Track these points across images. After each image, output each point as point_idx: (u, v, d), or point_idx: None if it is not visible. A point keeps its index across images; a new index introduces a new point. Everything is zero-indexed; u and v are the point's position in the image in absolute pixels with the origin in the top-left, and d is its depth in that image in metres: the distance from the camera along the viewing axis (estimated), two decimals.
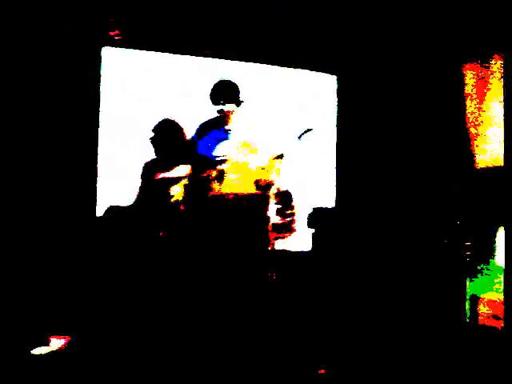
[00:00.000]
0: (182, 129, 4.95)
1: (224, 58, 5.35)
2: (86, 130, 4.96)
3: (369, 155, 5.70)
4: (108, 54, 5.02)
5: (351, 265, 5.12)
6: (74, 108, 4.91)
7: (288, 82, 5.58)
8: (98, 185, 4.92)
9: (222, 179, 4.75)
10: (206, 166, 4.78)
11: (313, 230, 5.18)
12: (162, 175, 4.86)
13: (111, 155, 5.00)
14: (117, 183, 4.97)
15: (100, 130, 4.97)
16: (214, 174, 4.77)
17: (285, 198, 4.98)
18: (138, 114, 5.17)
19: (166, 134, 4.91)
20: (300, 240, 5.05)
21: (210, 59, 5.38)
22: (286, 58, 5.49)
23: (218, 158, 4.80)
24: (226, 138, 4.84)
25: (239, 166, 4.79)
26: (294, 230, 4.95)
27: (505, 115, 4.86)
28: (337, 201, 5.56)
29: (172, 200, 4.83)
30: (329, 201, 5.51)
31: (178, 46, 5.25)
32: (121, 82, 5.14)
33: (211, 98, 4.82)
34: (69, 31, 4.86)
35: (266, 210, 4.77)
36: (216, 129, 4.87)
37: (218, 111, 4.82)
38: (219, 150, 4.81)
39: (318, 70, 5.61)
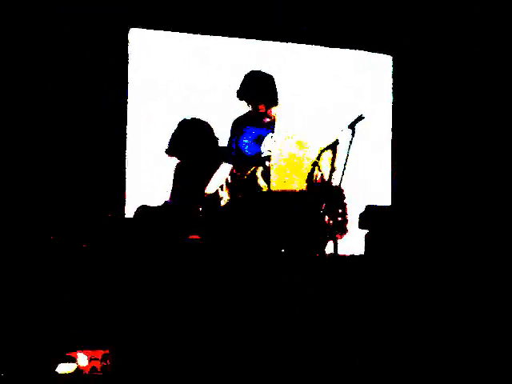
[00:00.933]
0: (211, 127, 4.54)
1: (271, 39, 5.15)
2: (114, 122, 4.73)
3: (429, 144, 5.32)
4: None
5: (409, 271, 4.59)
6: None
7: (338, 64, 5.22)
8: (126, 181, 4.54)
9: (269, 176, 4.30)
10: (248, 163, 4.35)
11: (366, 231, 4.68)
12: (201, 177, 4.49)
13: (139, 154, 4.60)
14: (145, 181, 4.60)
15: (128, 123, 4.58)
16: (259, 171, 4.32)
17: (336, 195, 4.47)
18: (166, 106, 4.79)
19: (196, 133, 4.49)
20: (352, 242, 4.55)
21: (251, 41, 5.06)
22: (340, 39, 5.22)
23: (262, 154, 4.35)
24: (268, 133, 4.37)
25: (287, 160, 4.32)
26: (346, 231, 4.45)
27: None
28: (393, 198, 5.19)
29: (217, 201, 4.50)
30: (384, 198, 5.14)
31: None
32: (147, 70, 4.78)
33: (242, 94, 4.35)
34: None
35: (320, 208, 4.29)
36: (254, 125, 4.40)
37: (252, 110, 4.35)
38: (262, 146, 4.35)
39: (373, 51, 5.26)
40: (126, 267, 4.28)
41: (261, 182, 4.33)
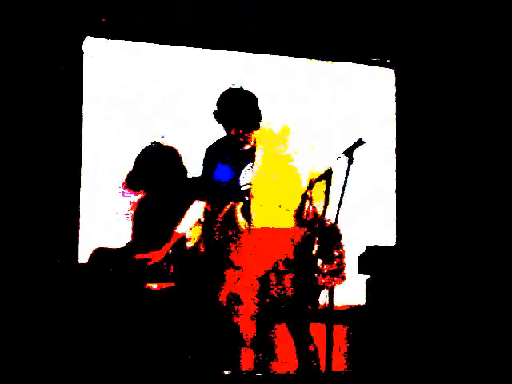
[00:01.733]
0: (179, 154, 3.93)
1: (264, 52, 4.74)
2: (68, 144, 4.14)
3: (438, 170, 4.85)
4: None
5: (417, 325, 3.99)
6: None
7: (333, 79, 4.75)
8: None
9: (250, 213, 3.75)
10: (225, 198, 3.78)
11: (366, 277, 4.17)
12: (168, 214, 3.97)
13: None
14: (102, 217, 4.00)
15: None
16: (238, 207, 3.76)
17: (331, 234, 3.87)
18: (125, 126, 4.29)
19: (162, 162, 3.89)
20: (350, 290, 3.94)
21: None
22: (337, 51, 4.83)
23: (241, 188, 3.76)
24: (248, 162, 3.75)
25: (270, 193, 3.79)
26: (344, 278, 3.84)
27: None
28: (398, 237, 4.66)
29: (187, 244, 4.01)
30: (388, 237, 4.61)
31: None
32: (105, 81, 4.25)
33: (218, 116, 3.75)
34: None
35: (312, 250, 3.73)
36: (231, 153, 3.79)
37: (230, 134, 3.74)
38: (241, 178, 3.74)
39: (375, 64, 4.87)
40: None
41: (240, 220, 3.73)
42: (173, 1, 4.44)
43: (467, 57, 4.98)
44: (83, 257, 4.00)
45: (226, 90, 3.83)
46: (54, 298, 3.86)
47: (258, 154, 3.80)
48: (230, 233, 3.77)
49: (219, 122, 3.83)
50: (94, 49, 4.25)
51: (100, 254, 3.82)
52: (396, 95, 4.93)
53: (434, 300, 4.16)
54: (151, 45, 4.39)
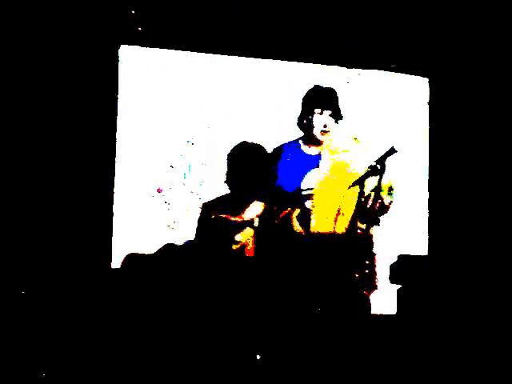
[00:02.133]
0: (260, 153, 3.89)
1: (296, 60, 4.63)
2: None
3: (471, 180, 4.78)
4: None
5: (452, 336, 3.90)
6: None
7: (366, 87, 4.62)
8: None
9: (309, 221, 3.77)
10: (284, 202, 3.80)
11: (398, 286, 4.01)
12: (226, 216, 3.91)
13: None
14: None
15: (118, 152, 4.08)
16: (295, 213, 3.75)
17: (362, 243, 3.83)
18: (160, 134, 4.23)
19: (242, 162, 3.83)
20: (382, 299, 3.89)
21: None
22: (370, 59, 4.75)
23: (302, 192, 3.71)
24: (314, 167, 3.72)
25: (332, 199, 3.68)
26: (375, 288, 3.80)
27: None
28: (430, 246, 4.56)
29: (238, 247, 3.91)
30: (420, 246, 4.50)
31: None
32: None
33: (305, 110, 3.73)
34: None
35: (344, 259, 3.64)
36: (299, 154, 3.76)
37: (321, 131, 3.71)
38: (305, 182, 3.70)
39: (408, 72, 4.79)
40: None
41: (296, 226, 3.68)
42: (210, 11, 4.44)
43: (501, 67, 4.89)
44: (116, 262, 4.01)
45: (316, 86, 3.81)
46: (87, 302, 3.89)
47: (323, 161, 3.77)
48: (281, 237, 3.76)
49: (302, 121, 3.77)
50: (130, 57, 4.25)
51: (133, 259, 3.82)
52: (429, 104, 4.86)
53: (464, 310, 4.09)
54: (185, 52, 4.36)
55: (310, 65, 4.62)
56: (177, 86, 4.29)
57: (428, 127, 4.81)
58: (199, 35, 4.31)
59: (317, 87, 3.86)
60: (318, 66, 4.64)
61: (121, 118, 4.14)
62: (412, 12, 4.77)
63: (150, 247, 3.92)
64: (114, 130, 4.13)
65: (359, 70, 4.70)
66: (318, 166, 3.81)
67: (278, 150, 3.90)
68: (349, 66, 4.70)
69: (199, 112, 4.31)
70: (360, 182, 3.72)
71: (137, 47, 4.18)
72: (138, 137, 4.21)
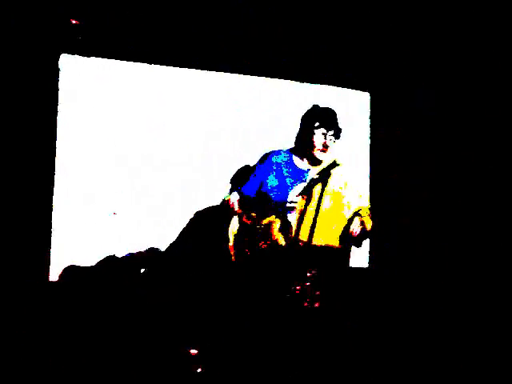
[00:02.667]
0: None
1: (238, 72, 4.67)
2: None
3: (413, 193, 4.81)
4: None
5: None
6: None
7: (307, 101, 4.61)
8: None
9: (289, 230, 3.71)
10: (266, 210, 3.75)
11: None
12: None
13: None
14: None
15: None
16: (277, 223, 3.72)
17: (304, 255, 3.80)
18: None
19: None
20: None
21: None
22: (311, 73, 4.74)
23: (287, 204, 3.73)
24: (304, 180, 3.70)
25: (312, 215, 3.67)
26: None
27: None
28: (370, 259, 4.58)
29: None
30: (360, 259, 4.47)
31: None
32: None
33: (307, 129, 3.70)
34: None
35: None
36: (291, 165, 3.74)
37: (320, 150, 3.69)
38: (291, 194, 3.72)
39: (349, 87, 4.79)
40: None
41: (277, 236, 3.64)
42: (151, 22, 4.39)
43: (441, 79, 4.97)
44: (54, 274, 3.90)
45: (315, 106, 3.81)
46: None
47: (310, 176, 3.73)
48: (262, 246, 3.71)
49: (301, 138, 3.76)
50: (70, 66, 4.17)
51: (72, 271, 3.73)
52: (370, 118, 4.90)
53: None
54: (127, 62, 4.32)
55: (248, 77, 4.64)
56: (117, 94, 4.25)
57: (369, 141, 4.86)
58: (141, 45, 4.27)
59: (317, 107, 3.85)
60: (257, 78, 4.64)
61: (61, 124, 4.06)
62: (353, 26, 4.78)
63: (89, 259, 3.86)
64: (54, 138, 4.05)
65: (301, 84, 4.70)
66: (305, 181, 3.78)
67: (266, 158, 3.87)
68: (292, 79, 4.70)
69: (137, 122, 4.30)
70: (305, 191, 3.72)
71: (77, 56, 4.12)
72: (78, 144, 4.14)
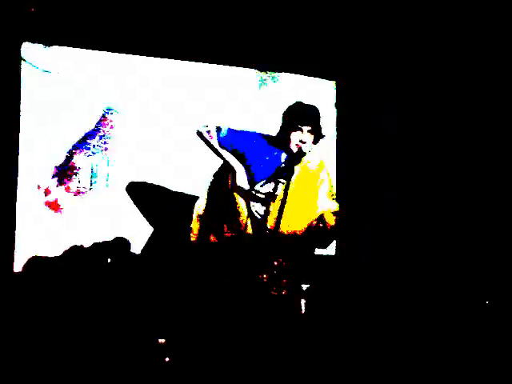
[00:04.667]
0: None
1: (201, 61, 4.69)
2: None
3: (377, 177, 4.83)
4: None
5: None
6: None
7: (274, 90, 4.62)
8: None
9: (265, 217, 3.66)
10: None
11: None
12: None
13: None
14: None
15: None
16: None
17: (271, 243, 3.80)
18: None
19: None
20: None
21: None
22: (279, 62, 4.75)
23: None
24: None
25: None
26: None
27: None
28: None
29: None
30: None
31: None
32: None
33: (285, 125, 3.67)
34: None
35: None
36: (270, 148, 3.75)
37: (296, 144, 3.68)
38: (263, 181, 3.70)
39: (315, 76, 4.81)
40: None
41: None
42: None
43: (407, 65, 4.99)
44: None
45: (297, 102, 3.79)
46: None
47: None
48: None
49: (280, 135, 3.74)
50: (32, 54, 4.15)
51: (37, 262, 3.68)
52: (336, 106, 4.93)
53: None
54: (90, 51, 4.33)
55: (220, 66, 4.64)
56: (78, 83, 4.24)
57: (335, 129, 4.87)
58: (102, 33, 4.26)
59: (299, 103, 3.83)
60: (228, 67, 4.64)
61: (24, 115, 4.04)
62: (320, 16, 4.78)
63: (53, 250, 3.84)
64: (18, 128, 4.01)
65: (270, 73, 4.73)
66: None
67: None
68: (260, 69, 4.73)
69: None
70: (270, 180, 3.73)
71: (40, 45, 4.08)
72: (41, 133, 4.12)
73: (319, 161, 3.86)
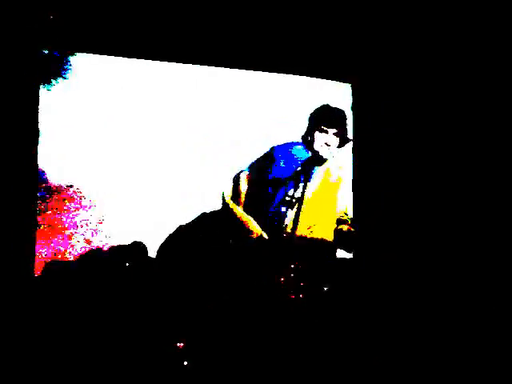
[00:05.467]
0: None
1: (216, 65, 4.60)
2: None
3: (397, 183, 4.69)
4: None
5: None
6: None
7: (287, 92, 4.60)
8: None
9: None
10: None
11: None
12: None
13: None
14: None
15: None
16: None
17: (287, 246, 3.80)
18: None
19: None
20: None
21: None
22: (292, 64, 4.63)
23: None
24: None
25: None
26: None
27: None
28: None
29: None
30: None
31: None
32: None
33: (310, 127, 3.66)
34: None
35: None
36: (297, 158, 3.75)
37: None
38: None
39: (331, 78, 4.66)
40: None
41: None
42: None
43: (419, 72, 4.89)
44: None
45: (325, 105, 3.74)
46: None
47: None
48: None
49: (306, 138, 3.70)
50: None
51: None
52: (352, 109, 4.80)
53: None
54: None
55: (228, 69, 4.62)
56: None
57: (352, 133, 4.82)
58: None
59: (326, 106, 3.84)
60: (236, 70, 4.62)
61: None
62: (333, 16, 4.73)
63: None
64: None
65: (282, 75, 4.67)
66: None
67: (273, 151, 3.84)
68: (271, 71, 4.67)
69: None
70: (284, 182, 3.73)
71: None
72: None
73: (340, 164, 3.86)
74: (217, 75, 4.66)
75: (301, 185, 3.79)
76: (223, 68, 4.60)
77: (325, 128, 3.73)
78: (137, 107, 4.45)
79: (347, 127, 3.80)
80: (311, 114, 3.84)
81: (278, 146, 3.88)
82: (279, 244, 3.75)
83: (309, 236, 3.75)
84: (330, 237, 3.83)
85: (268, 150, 3.92)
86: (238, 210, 3.77)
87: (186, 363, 3.59)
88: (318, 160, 3.77)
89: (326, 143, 3.74)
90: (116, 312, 3.74)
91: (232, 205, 3.82)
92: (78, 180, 4.26)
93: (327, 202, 3.82)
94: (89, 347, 3.61)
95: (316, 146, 3.75)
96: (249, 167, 3.93)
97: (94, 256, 3.88)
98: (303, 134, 3.85)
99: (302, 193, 3.75)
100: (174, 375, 3.56)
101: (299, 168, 3.83)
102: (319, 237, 3.78)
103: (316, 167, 3.80)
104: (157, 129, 4.48)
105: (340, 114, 3.83)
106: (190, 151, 4.44)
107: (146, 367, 3.58)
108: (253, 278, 3.59)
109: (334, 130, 3.75)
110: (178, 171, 4.43)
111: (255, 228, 3.77)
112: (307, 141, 3.77)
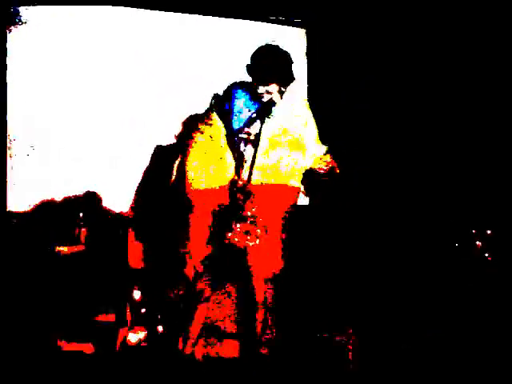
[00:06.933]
0: None
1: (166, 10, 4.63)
2: None
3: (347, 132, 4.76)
4: None
5: None
6: None
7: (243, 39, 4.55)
8: None
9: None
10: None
11: None
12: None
13: None
14: None
15: None
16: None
17: (243, 194, 3.77)
18: None
19: None
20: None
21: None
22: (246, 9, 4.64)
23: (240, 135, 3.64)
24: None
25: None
26: (258, 237, 3.75)
27: None
28: None
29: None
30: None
31: None
32: None
33: (250, 72, 3.58)
34: None
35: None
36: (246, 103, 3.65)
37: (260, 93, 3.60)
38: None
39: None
40: None
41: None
42: None
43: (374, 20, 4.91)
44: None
45: (261, 47, 3.67)
46: None
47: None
48: None
49: (251, 75, 3.62)
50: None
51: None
52: (306, 55, 4.86)
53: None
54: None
55: (186, 15, 4.56)
56: None
57: (306, 77, 4.83)
58: None
59: (260, 51, 3.72)
60: (195, 16, 4.56)
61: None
62: None
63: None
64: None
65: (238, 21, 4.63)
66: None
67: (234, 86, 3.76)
68: (227, 17, 4.63)
69: None
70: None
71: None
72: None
73: (302, 104, 3.79)
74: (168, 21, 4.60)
75: (257, 125, 3.74)
76: (176, 13, 4.55)
77: (263, 76, 3.67)
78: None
79: (289, 69, 3.73)
80: (248, 65, 3.76)
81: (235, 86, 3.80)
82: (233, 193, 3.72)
83: (260, 183, 3.72)
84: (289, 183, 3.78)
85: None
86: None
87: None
88: (263, 108, 3.72)
89: (267, 91, 3.68)
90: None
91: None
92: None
93: (290, 146, 3.75)
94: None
95: (261, 95, 3.70)
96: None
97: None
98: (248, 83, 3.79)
99: (258, 134, 3.70)
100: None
101: (254, 114, 3.78)
102: (271, 182, 3.75)
103: (262, 115, 3.75)
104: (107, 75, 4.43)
105: (276, 58, 3.75)
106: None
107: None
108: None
109: (273, 78, 3.69)
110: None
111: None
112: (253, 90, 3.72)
